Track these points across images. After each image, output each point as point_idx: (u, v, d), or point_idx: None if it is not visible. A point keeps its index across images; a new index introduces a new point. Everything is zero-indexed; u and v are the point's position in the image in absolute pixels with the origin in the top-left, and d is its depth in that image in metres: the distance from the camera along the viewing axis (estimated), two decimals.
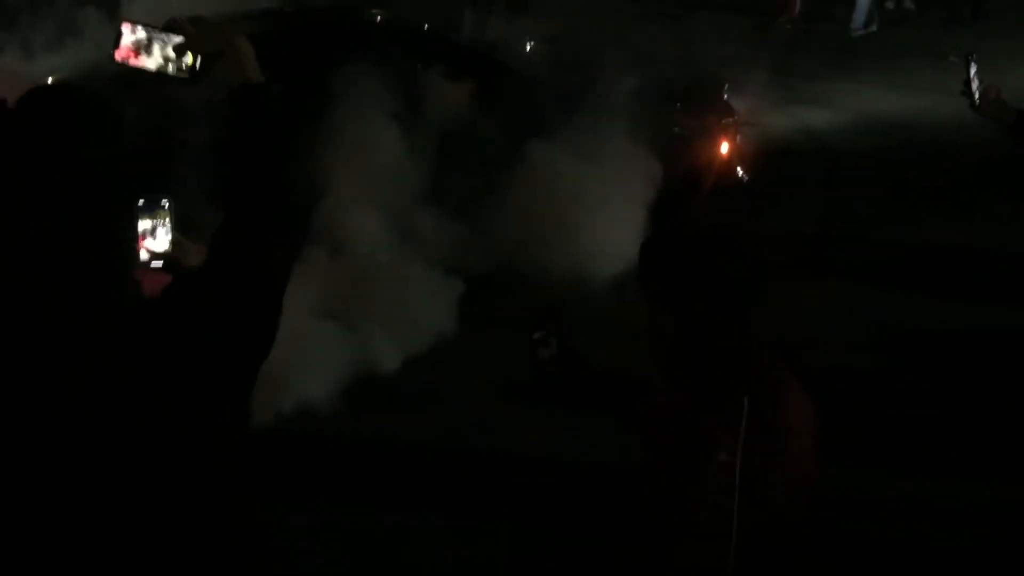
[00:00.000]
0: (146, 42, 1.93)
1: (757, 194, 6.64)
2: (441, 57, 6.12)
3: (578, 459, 4.25)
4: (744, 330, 2.07)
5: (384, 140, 5.50)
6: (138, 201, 1.94)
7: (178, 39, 1.88)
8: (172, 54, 1.88)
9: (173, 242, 2.30)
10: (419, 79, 5.82)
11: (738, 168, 6.77)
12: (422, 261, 5.39)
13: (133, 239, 1.66)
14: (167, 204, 2.30)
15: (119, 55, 1.98)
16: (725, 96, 7.19)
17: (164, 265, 2.25)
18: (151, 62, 1.91)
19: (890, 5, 12.69)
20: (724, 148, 6.71)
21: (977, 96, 3.35)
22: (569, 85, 6.16)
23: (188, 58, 1.85)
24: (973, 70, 3.32)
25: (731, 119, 6.95)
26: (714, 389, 2.04)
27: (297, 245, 1.75)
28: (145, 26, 1.95)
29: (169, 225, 2.29)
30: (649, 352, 2.15)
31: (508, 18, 7.91)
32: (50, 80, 5.97)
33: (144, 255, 2.24)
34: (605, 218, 5.82)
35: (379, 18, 6.85)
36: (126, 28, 1.96)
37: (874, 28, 12.26)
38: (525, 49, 7.29)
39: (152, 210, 2.27)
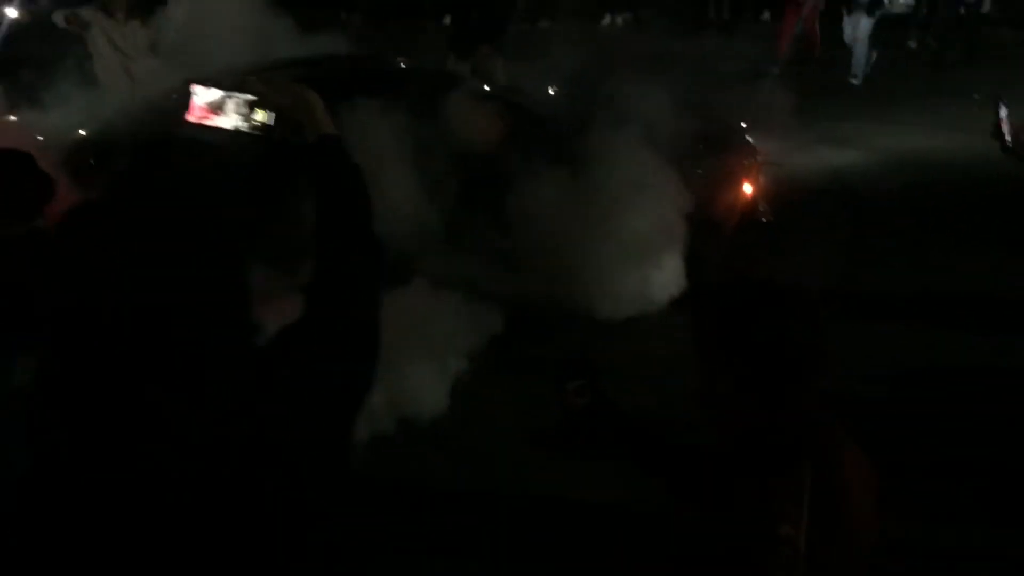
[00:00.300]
0: (219, 102, 1.98)
1: (782, 234, 6.63)
2: (468, 101, 6.16)
3: (609, 503, 4.21)
4: (806, 393, 1.98)
5: (418, 183, 5.54)
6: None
7: (250, 97, 1.93)
8: (245, 112, 1.94)
9: None
10: (448, 122, 5.85)
11: (762, 208, 6.75)
12: (453, 301, 5.39)
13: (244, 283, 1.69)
14: None
15: (192, 115, 2.04)
16: (747, 136, 7.19)
17: None
18: (226, 121, 1.97)
19: (913, 44, 12.70)
20: (747, 189, 6.70)
21: (1009, 138, 3.32)
22: (590, 129, 6.17)
23: (261, 115, 1.91)
24: (1004, 112, 3.30)
25: (754, 160, 6.94)
26: (772, 452, 1.93)
27: (381, 282, 1.80)
28: (217, 86, 2.01)
29: None
30: (697, 406, 2.06)
31: (500, 62, 7.91)
32: (82, 132, 6.07)
33: None
34: (633, 261, 5.81)
35: (403, 64, 6.92)
36: (198, 89, 2.02)
37: (867, 71, 12.27)
38: (548, 93, 7.33)
39: None
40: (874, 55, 12.29)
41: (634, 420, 2.35)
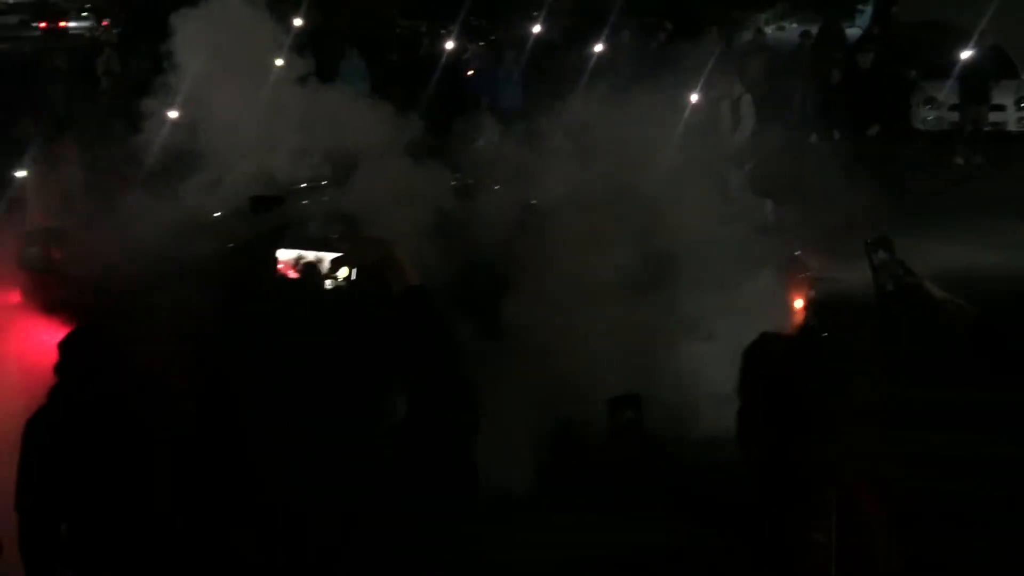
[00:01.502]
0: (303, 260, 2.11)
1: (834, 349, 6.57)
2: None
3: None
4: (829, 434, 2.31)
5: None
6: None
7: (334, 255, 2.05)
8: (328, 270, 2.05)
9: None
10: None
11: (813, 324, 6.74)
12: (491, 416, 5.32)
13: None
14: None
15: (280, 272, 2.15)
16: (797, 252, 7.22)
17: None
18: (309, 279, 2.08)
19: (960, 161, 12.72)
20: (799, 304, 6.70)
21: None
22: (639, 246, 6.21)
23: (344, 271, 2.02)
24: None
25: (805, 275, 6.96)
26: (802, 479, 2.26)
27: (474, 425, 1.88)
28: (302, 247, 2.14)
29: None
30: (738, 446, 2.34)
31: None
32: None
33: None
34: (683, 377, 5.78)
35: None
36: (283, 252, 2.14)
37: None
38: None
39: None
40: None
41: (677, 458, 2.54)
